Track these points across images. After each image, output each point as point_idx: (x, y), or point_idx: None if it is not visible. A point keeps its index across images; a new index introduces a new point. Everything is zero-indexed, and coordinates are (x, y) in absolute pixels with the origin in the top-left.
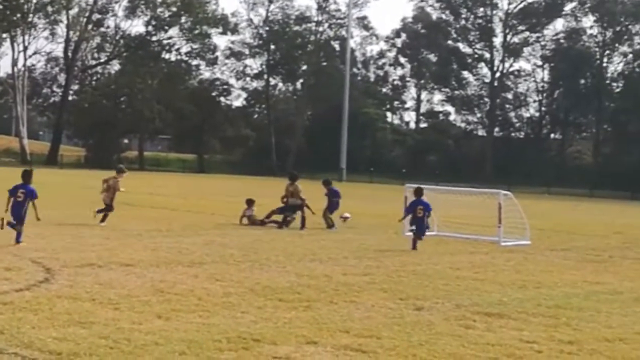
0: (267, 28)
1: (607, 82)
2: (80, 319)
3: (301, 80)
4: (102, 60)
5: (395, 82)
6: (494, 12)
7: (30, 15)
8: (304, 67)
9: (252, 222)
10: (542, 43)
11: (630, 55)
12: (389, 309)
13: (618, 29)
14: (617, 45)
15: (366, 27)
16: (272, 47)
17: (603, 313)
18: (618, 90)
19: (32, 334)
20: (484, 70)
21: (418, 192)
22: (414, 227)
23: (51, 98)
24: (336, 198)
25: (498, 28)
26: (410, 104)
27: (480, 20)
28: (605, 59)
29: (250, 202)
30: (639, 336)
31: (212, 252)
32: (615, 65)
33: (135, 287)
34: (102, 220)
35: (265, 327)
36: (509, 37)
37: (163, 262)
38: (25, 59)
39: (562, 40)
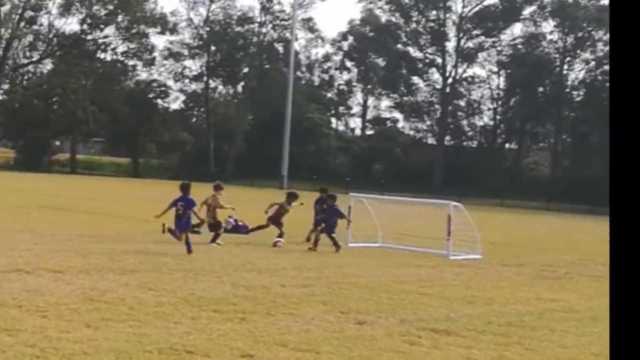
0: (208, 28)
1: (568, 90)
2: (7, 326)
3: (242, 83)
4: (34, 59)
5: (341, 87)
6: (447, 15)
7: None
8: (246, 70)
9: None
10: (499, 48)
11: (593, 63)
12: (328, 322)
13: (580, 34)
14: (578, 51)
15: (311, 29)
16: (213, 48)
17: (557, 332)
18: (579, 99)
19: None
20: (435, 75)
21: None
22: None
23: None
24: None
25: (451, 32)
26: (356, 109)
27: (432, 24)
28: (565, 66)
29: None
30: (595, 357)
31: (145, 260)
32: (577, 73)
33: (64, 295)
34: (213, 241)
35: (199, 339)
36: (462, 41)
37: (94, 269)
38: None
39: (519, 46)
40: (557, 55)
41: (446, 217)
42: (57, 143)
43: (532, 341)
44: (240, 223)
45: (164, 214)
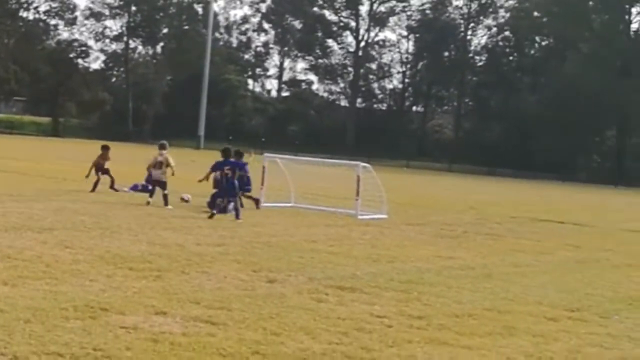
0: None
1: (471, 55)
2: None
3: (162, 44)
4: None
5: (259, 49)
6: None
7: None
8: (165, 31)
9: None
10: (409, 13)
11: (495, 29)
12: (241, 280)
13: (483, 1)
14: (481, 18)
15: None
16: (133, 8)
17: (454, 288)
18: (481, 64)
19: None
20: (349, 39)
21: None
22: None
23: None
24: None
25: None
26: (272, 71)
27: None
28: (469, 32)
29: (105, 149)
30: (488, 312)
31: (62, 219)
32: (480, 39)
33: None
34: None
35: (114, 296)
36: (375, 5)
37: (12, 227)
38: None
39: (428, 11)
40: (462, 21)
41: (355, 177)
42: None
43: (430, 297)
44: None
45: (206, 178)
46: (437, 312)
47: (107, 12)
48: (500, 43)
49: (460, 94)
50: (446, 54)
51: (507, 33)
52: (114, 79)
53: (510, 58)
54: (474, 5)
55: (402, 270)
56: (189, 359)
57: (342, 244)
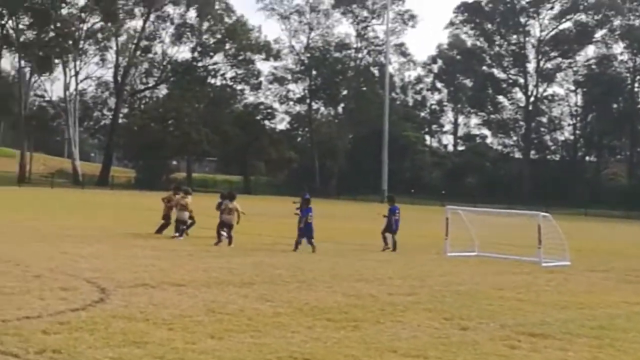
0: (309, 54)
1: (639, 106)
2: (135, 339)
3: (342, 105)
4: (150, 85)
5: (433, 107)
6: (527, 39)
7: (81, 42)
8: (345, 92)
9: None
10: (575, 69)
11: None
12: (434, 328)
13: None
14: None
15: (404, 54)
16: (314, 72)
17: None
18: None
19: (89, 354)
20: (519, 94)
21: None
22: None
23: (102, 121)
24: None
25: (531, 54)
26: (448, 127)
27: (513, 47)
28: (636, 84)
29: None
30: None
31: (261, 272)
32: None
33: (188, 307)
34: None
35: (315, 347)
36: (542, 63)
37: (214, 282)
38: (77, 84)
39: (593, 66)
40: (627, 74)
41: (536, 226)
42: (174, 163)
43: (623, 343)
44: None
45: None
46: (632, 358)
47: (289, 77)
48: None
49: (633, 143)
50: (615, 105)
51: None
52: (299, 139)
53: None
54: (639, 60)
55: (592, 316)
56: None
57: (529, 291)
